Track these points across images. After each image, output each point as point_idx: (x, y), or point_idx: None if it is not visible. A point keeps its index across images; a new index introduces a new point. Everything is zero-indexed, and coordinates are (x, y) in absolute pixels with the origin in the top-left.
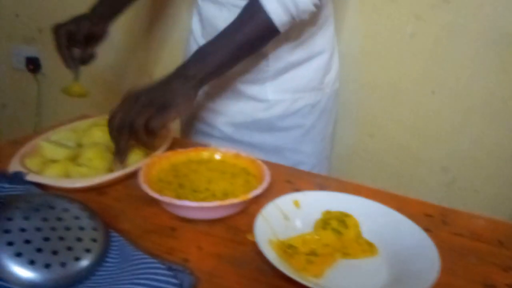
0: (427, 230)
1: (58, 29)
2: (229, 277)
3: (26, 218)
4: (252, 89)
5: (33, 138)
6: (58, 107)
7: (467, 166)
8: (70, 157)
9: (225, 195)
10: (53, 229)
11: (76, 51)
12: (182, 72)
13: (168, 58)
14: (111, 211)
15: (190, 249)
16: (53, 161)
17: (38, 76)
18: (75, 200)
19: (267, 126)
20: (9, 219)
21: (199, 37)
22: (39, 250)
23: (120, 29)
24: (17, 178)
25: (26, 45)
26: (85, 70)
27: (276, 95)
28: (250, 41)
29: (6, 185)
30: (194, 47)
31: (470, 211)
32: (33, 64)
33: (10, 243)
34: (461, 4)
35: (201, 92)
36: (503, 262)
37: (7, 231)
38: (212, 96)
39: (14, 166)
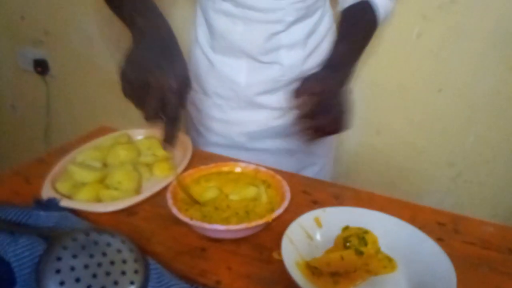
0: (440, 239)
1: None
2: None
3: (74, 256)
4: (266, 99)
5: (59, 158)
6: (67, 108)
7: (472, 161)
8: (99, 179)
9: (247, 213)
10: (99, 265)
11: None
12: (344, 77)
13: None
14: (142, 233)
15: (220, 270)
16: (83, 184)
17: (46, 78)
18: (115, 233)
19: (280, 132)
20: (59, 259)
21: (207, 49)
22: (89, 287)
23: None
24: (52, 205)
25: (33, 48)
26: (94, 73)
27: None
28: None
29: (42, 213)
30: (201, 59)
31: (480, 217)
32: (41, 67)
33: (62, 283)
34: (468, 4)
35: (210, 103)
36: None
37: (58, 271)
38: (223, 108)
39: (46, 192)
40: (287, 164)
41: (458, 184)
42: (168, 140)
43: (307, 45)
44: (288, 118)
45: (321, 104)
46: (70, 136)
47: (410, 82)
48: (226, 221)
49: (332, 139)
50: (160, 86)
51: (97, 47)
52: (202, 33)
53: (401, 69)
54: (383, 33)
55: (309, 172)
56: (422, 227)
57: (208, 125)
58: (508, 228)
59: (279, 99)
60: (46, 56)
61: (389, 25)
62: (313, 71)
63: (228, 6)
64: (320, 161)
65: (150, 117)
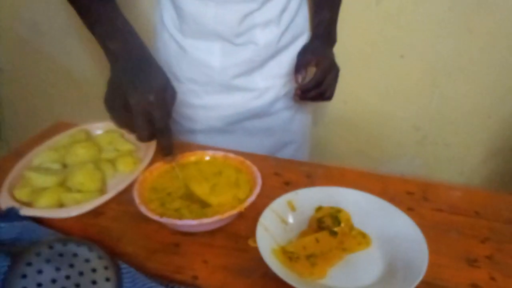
0: (410, 209)
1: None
2: None
3: (40, 272)
4: (242, 81)
5: (14, 162)
6: (19, 103)
7: (437, 123)
8: (59, 182)
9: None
10: (67, 277)
11: None
12: (332, 43)
13: None
14: (112, 234)
15: (196, 264)
16: (43, 189)
17: None
18: (81, 241)
19: (258, 113)
20: (24, 276)
21: (176, 34)
22: None
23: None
24: (12, 214)
25: None
26: (43, 61)
27: (266, 83)
28: None
29: (3, 224)
30: (170, 45)
31: (447, 183)
32: None
33: None
34: None
35: (184, 90)
36: (481, 233)
37: None
38: (198, 93)
39: (5, 201)
40: (267, 144)
41: (425, 146)
42: (166, 152)
43: (281, 22)
44: (266, 98)
45: (319, 74)
46: (24, 130)
47: (372, 50)
48: (198, 212)
49: (308, 115)
50: (140, 104)
51: (44, 34)
52: (169, 17)
53: (362, 36)
54: (342, 1)
55: (289, 150)
56: (393, 198)
57: (183, 112)
58: (474, 191)
59: (255, 80)
60: None
61: None
62: (288, 47)
63: None
64: (298, 138)
65: (145, 138)
